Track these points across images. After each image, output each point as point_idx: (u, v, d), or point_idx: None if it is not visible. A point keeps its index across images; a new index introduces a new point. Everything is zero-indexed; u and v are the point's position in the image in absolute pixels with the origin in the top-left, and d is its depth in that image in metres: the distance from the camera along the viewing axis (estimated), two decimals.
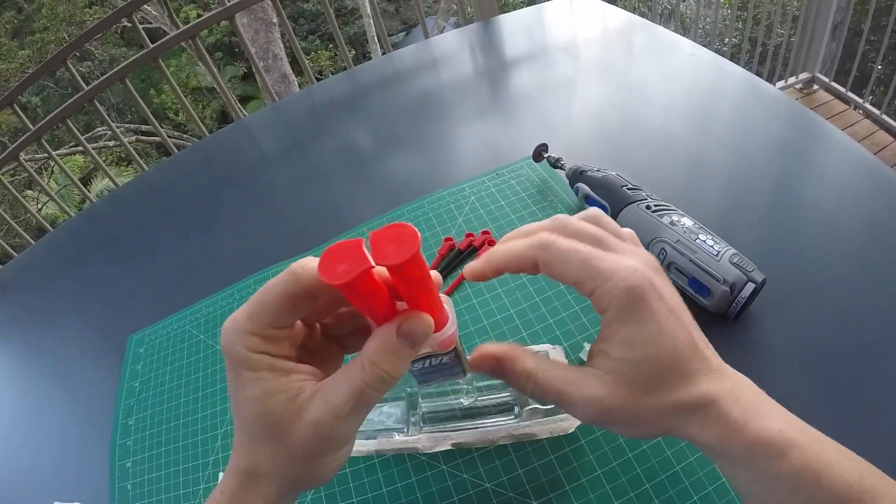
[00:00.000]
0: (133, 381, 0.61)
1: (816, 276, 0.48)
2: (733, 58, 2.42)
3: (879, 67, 2.11)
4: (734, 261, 0.43)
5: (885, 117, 2.10)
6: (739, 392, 0.28)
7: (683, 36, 0.85)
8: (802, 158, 0.61)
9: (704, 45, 0.85)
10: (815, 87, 2.38)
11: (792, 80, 2.36)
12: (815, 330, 0.45)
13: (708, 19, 4.22)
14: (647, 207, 0.48)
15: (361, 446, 0.44)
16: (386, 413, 0.45)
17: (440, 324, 0.28)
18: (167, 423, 0.55)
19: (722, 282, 0.42)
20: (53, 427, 0.61)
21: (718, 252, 0.44)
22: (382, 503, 0.43)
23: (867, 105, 2.15)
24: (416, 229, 0.23)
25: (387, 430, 0.44)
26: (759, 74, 2.38)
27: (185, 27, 1.32)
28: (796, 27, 2.28)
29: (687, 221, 0.46)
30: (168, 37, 1.34)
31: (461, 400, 0.43)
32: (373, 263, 0.23)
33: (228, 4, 1.27)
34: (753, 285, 0.42)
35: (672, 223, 0.46)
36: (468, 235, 0.61)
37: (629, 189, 0.51)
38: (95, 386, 0.63)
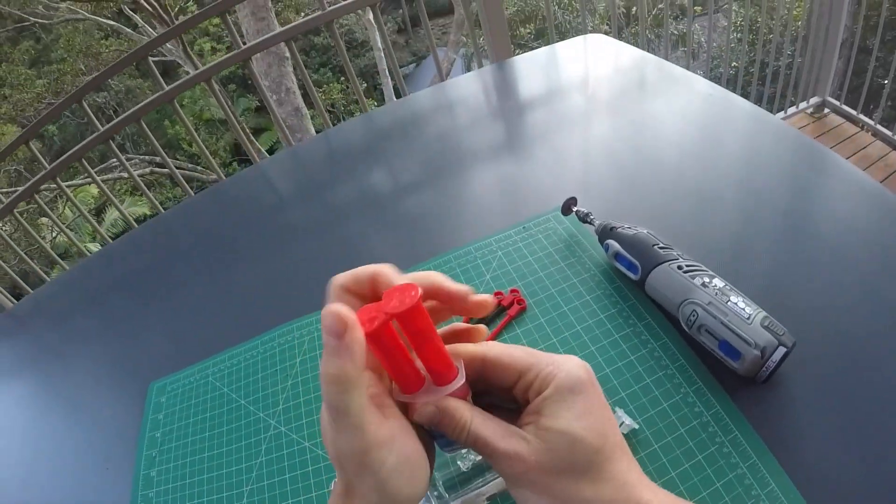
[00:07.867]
0: (155, 432, 0.60)
1: (844, 330, 0.48)
2: (743, 87, 2.42)
3: (885, 83, 2.08)
4: (765, 324, 0.43)
5: None
6: (656, 489, 0.30)
7: (693, 61, 0.85)
8: (812, 193, 0.62)
9: (713, 69, 0.85)
10: (826, 110, 2.38)
11: (803, 105, 2.36)
12: (846, 389, 0.44)
13: (714, 44, 4.25)
14: (679, 268, 0.48)
15: None
16: None
17: (446, 377, 0.30)
18: (190, 478, 0.54)
19: (753, 346, 0.42)
20: (71, 474, 0.60)
21: (750, 315, 0.43)
22: None
23: (879, 126, 2.15)
24: (417, 286, 0.27)
25: None
26: (769, 99, 2.39)
27: (201, 69, 1.35)
28: (805, 49, 2.28)
29: (718, 282, 0.46)
30: (183, 80, 1.36)
31: (471, 456, 0.43)
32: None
33: (244, 47, 1.30)
34: (784, 349, 0.42)
35: (703, 284, 0.46)
36: (497, 294, 0.59)
37: (660, 248, 0.51)
38: (114, 432, 0.62)
